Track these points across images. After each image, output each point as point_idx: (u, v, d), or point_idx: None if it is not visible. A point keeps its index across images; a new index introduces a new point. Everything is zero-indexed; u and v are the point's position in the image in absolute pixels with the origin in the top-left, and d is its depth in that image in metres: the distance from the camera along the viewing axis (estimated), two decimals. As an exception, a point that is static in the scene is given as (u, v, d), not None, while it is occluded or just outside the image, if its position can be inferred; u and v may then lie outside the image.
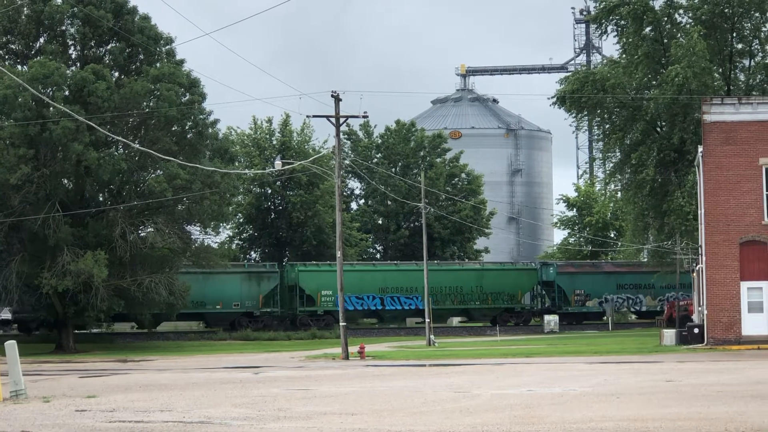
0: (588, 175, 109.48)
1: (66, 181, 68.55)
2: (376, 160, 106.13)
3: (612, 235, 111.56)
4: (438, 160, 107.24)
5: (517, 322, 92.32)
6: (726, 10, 72.27)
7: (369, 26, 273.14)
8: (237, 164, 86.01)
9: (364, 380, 36.52)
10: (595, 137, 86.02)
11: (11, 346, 30.81)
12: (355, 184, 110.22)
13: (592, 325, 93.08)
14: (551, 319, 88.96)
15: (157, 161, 65.60)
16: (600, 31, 78.44)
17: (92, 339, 78.41)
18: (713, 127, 54.74)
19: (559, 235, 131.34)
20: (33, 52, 70.01)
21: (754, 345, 52.59)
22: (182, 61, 71.32)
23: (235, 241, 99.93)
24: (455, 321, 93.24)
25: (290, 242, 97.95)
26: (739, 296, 53.97)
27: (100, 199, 71.37)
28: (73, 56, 71.19)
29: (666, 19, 73.34)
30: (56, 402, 28.38)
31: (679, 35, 71.62)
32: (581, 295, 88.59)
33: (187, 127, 70.46)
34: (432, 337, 69.46)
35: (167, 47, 71.24)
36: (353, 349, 54.89)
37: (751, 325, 53.81)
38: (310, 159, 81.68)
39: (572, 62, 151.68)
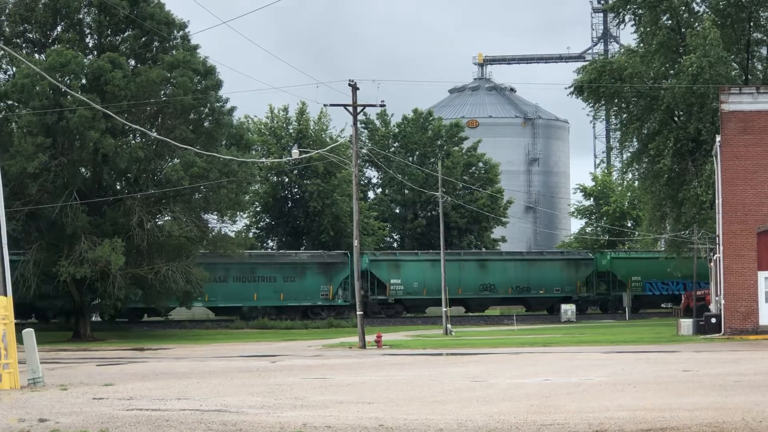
0: (605, 165, 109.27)
1: (83, 169, 68.69)
2: (393, 149, 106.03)
3: (629, 225, 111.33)
4: (455, 149, 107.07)
5: None
6: (742, 0, 72.00)
7: (381, 16, 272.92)
8: (254, 153, 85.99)
9: (381, 369, 36.49)
10: (613, 127, 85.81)
11: (29, 334, 30.88)
12: (372, 173, 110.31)
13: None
14: (568, 308, 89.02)
15: (174, 149, 65.69)
16: (617, 20, 78.22)
17: (109, 327, 78.61)
18: (731, 116, 54.52)
19: (576, 225, 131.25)
20: (50, 41, 70.18)
21: (772, 335, 52.47)
22: (197, 47, 71.30)
23: (252, 230, 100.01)
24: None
25: (307, 231, 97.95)
26: (756, 286, 53.78)
27: (118, 187, 71.51)
28: (90, 45, 71.33)
29: (683, 8, 73.12)
30: (74, 390, 28.40)
31: (696, 24, 71.38)
32: None
33: (203, 115, 70.49)
34: (449, 326, 69.48)
35: (181, 32, 71.23)
36: (370, 338, 54.78)
37: (769, 314, 53.66)
38: (327, 148, 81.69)
39: (590, 51, 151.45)
